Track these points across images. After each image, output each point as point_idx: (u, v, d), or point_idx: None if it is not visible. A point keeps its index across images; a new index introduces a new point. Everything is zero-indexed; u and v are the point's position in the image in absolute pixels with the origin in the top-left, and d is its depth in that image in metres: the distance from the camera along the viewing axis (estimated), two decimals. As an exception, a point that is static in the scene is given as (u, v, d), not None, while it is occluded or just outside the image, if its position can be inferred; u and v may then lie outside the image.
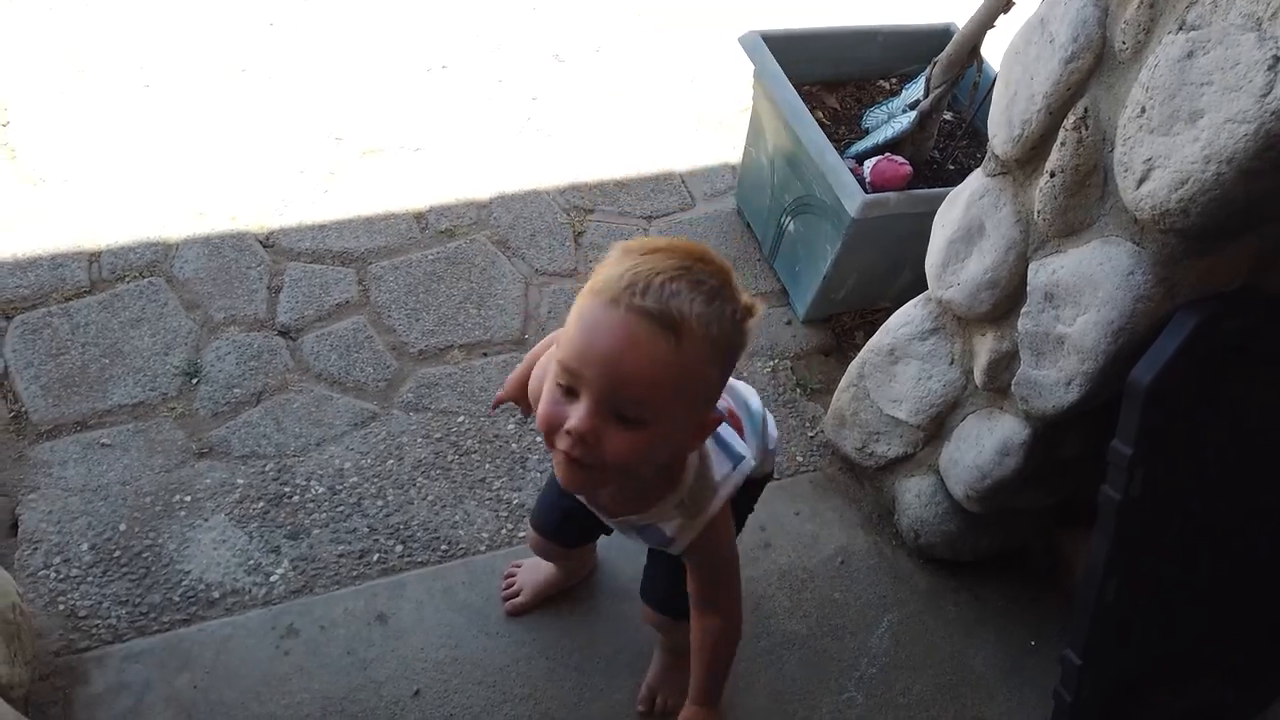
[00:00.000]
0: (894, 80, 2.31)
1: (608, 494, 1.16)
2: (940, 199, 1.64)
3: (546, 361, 1.14)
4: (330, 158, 2.31)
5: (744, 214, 2.41)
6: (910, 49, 2.26)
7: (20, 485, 1.65)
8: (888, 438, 1.79)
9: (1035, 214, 1.38)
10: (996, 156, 1.44)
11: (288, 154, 2.29)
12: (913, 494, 1.79)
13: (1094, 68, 1.26)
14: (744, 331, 0.95)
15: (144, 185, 2.15)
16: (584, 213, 2.35)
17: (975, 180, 1.51)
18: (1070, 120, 1.28)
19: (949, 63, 1.98)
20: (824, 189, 1.97)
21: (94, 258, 1.99)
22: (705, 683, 1.25)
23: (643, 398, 0.91)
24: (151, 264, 2.01)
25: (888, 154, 1.95)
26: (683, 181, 2.49)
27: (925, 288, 1.68)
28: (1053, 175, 1.31)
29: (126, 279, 1.97)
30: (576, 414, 0.92)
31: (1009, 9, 1.85)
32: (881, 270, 2.12)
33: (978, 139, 2.20)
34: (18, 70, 2.31)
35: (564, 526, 1.45)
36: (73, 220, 2.04)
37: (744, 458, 1.14)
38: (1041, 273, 1.39)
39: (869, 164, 1.95)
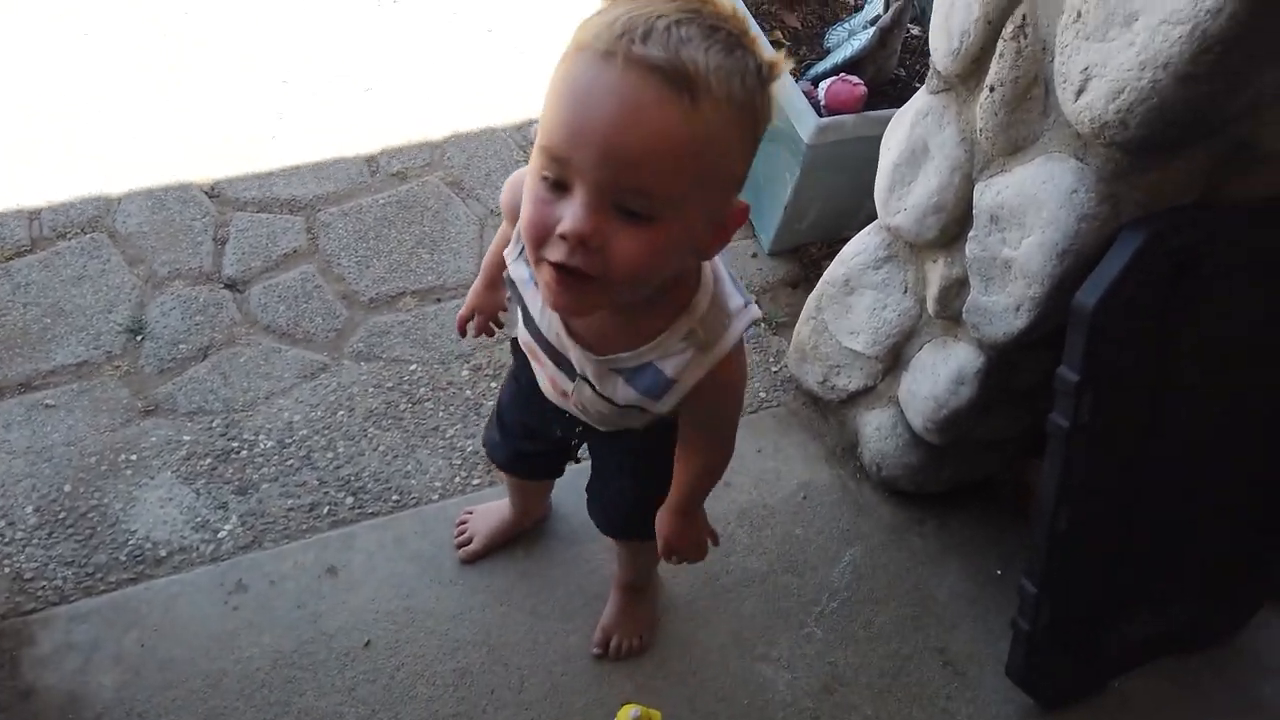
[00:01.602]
0: (857, -6, 2.21)
1: (599, 322, 0.94)
2: (897, 120, 1.57)
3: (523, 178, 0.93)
4: (277, 101, 2.24)
5: (707, 144, 2.33)
6: (873, -40, 2.16)
7: (-37, 450, 1.64)
8: (848, 370, 1.75)
9: (978, 132, 1.31)
10: (938, 72, 1.36)
11: (233, 99, 2.22)
12: (873, 427, 1.75)
13: (1032, -29, 1.18)
14: (770, 96, 0.78)
15: (84, 137, 2.08)
16: (541, 149, 2.27)
17: (919, 99, 1.43)
18: (1009, 29, 1.20)
19: (908, -27, 1.88)
20: (778, 115, 1.89)
21: (34, 215, 1.94)
22: (687, 494, 1.10)
23: (653, 183, 0.73)
24: (93, 219, 1.96)
25: (842, 74, 1.86)
26: (644, 112, 2.40)
27: (885, 215, 1.61)
28: (992, 89, 1.24)
29: (68, 236, 1.93)
30: (570, 212, 0.74)
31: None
32: (845, 198, 2.04)
33: (945, 55, 2.11)
34: (-50, 23, 2.24)
35: (517, 463, 1.41)
36: (10, 177, 1.99)
37: (751, 299, 0.96)
38: (986, 194, 1.33)
39: (823, 86, 1.87)
